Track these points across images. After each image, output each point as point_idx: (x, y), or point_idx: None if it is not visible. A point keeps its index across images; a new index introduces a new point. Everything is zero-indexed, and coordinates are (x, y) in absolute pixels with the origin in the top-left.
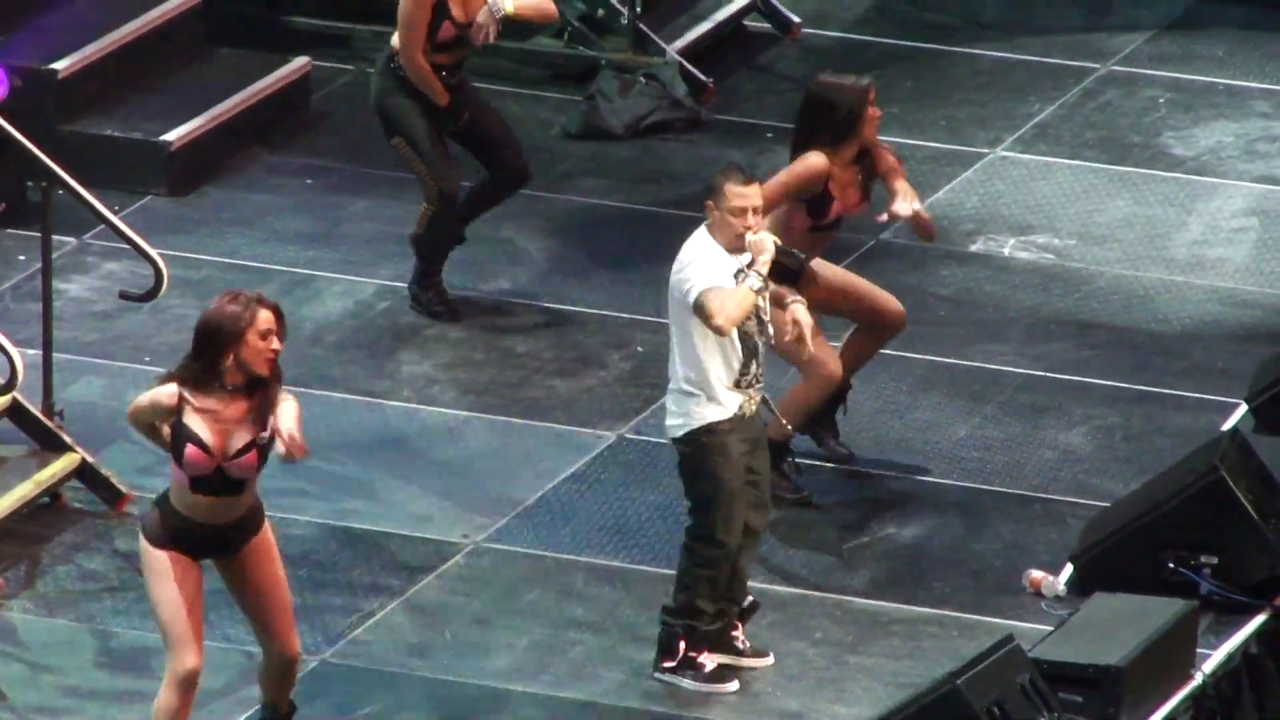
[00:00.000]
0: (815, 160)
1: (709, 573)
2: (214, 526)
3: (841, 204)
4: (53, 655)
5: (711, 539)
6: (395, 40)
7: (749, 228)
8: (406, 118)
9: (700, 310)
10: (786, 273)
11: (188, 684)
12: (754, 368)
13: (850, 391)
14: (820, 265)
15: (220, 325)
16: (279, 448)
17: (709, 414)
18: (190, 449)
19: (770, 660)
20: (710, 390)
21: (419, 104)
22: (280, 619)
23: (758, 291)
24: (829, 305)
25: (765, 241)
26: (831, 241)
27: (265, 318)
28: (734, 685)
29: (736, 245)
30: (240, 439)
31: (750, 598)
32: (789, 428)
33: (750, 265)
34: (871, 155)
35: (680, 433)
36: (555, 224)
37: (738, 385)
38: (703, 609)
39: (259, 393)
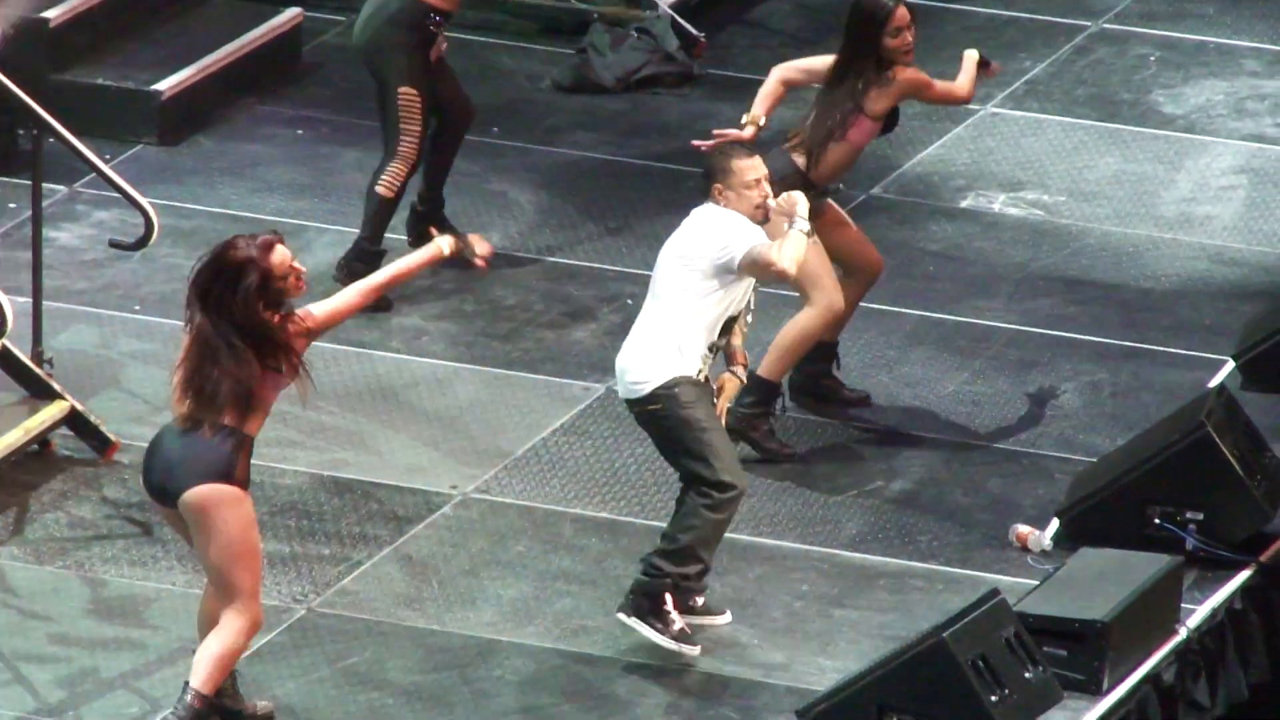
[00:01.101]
0: (912, 72)
1: (719, 517)
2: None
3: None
4: (41, 602)
5: (720, 482)
6: None
7: (767, 195)
8: (416, 72)
9: (757, 262)
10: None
11: (255, 633)
12: (725, 339)
13: (837, 347)
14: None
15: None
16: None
17: (676, 369)
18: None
19: (728, 618)
20: (684, 349)
21: (420, 56)
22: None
23: (809, 234)
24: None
25: (795, 197)
26: None
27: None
28: (698, 650)
29: (758, 216)
30: None
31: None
32: (785, 366)
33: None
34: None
35: (646, 389)
36: (546, 177)
37: (709, 349)
38: (701, 556)
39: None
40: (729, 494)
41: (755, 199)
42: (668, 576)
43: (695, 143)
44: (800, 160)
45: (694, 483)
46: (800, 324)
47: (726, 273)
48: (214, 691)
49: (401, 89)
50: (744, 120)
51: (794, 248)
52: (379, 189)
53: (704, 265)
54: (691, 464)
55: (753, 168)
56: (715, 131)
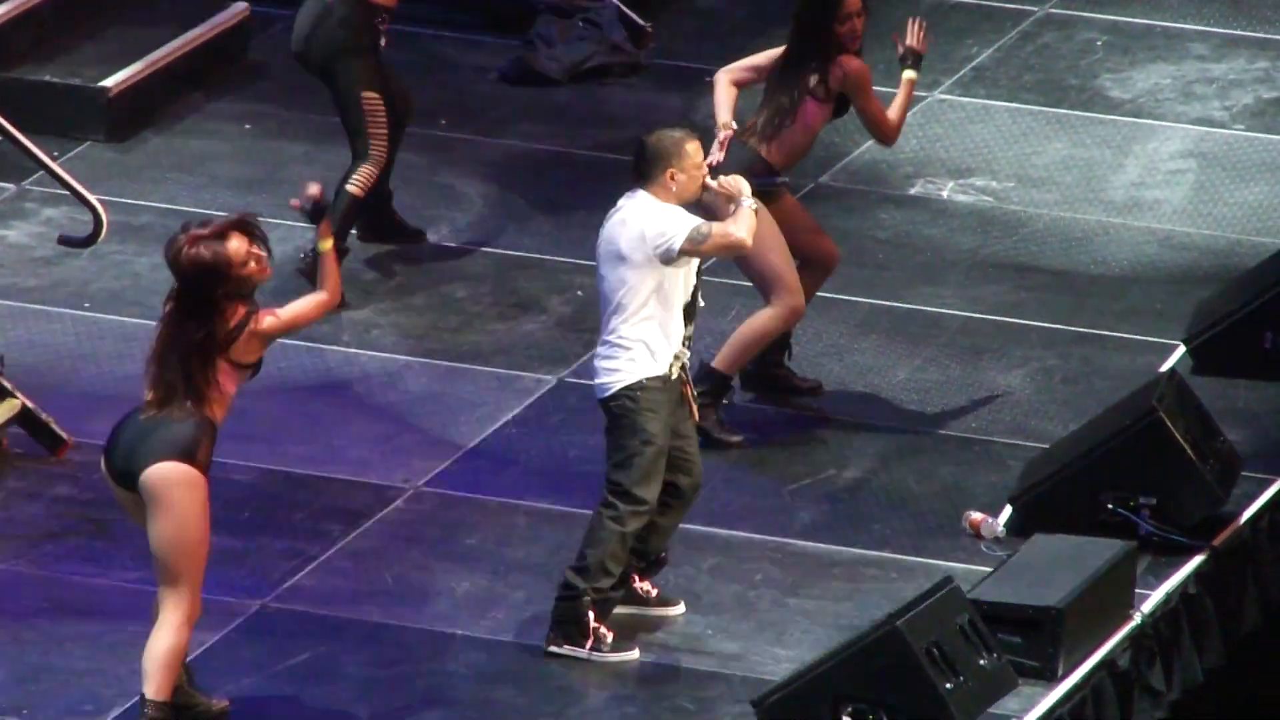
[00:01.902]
0: (858, 64)
1: (622, 529)
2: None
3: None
4: None
5: (630, 494)
6: None
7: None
8: (372, 73)
9: (708, 239)
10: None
11: (193, 625)
12: (689, 328)
13: (790, 337)
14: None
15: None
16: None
17: (644, 369)
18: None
19: (681, 609)
20: (650, 346)
21: (373, 60)
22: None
23: (755, 210)
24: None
25: (737, 178)
26: None
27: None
28: (635, 652)
29: (695, 198)
30: None
31: (664, 553)
32: (740, 361)
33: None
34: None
35: (612, 389)
36: (494, 169)
37: (678, 341)
38: (610, 570)
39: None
40: (635, 507)
41: (700, 180)
42: (585, 594)
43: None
44: (761, 149)
45: (608, 490)
46: (760, 322)
47: (667, 262)
48: (169, 694)
49: (364, 94)
50: (718, 131)
51: (747, 221)
52: (350, 188)
53: (644, 259)
54: (614, 468)
55: (699, 149)
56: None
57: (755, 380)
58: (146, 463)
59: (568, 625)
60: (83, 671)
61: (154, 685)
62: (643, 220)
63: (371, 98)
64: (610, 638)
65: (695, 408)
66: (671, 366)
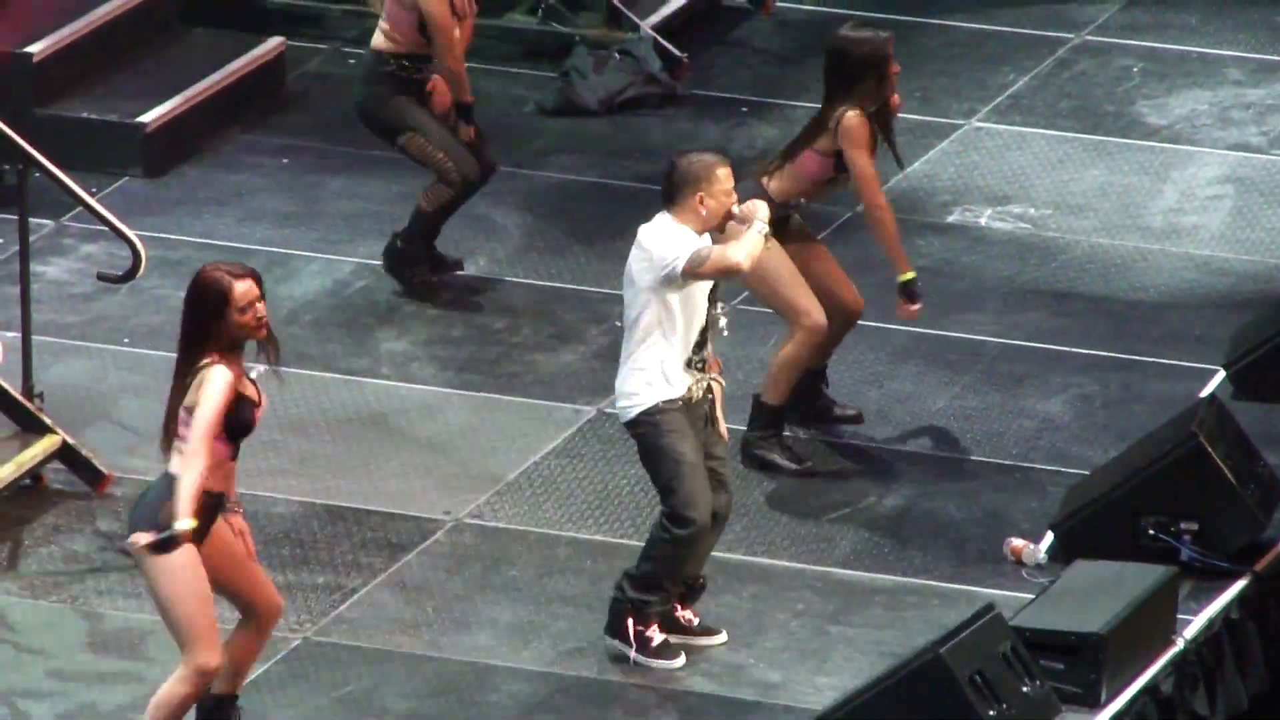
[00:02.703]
0: (860, 121)
1: (680, 551)
2: (223, 495)
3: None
4: (37, 637)
5: (680, 516)
6: (378, 42)
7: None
8: (411, 114)
9: (708, 262)
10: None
11: (206, 679)
12: (706, 350)
13: (825, 369)
14: (804, 236)
15: (211, 295)
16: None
17: (659, 393)
18: (255, 413)
19: (723, 638)
20: (665, 370)
21: (414, 97)
22: (262, 574)
23: (765, 235)
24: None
25: (757, 204)
26: (834, 193)
27: (244, 290)
28: (680, 661)
29: (721, 224)
30: (251, 391)
31: (701, 578)
32: (783, 389)
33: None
34: (888, 114)
35: (632, 414)
36: (532, 200)
37: (689, 365)
38: (665, 587)
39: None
40: (685, 529)
41: (728, 206)
42: (628, 601)
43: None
44: (762, 180)
45: (662, 515)
46: (787, 350)
47: (673, 284)
48: None
49: (400, 140)
50: None
51: (751, 245)
52: (420, 200)
53: (653, 283)
54: (662, 495)
55: (730, 175)
56: None
57: (795, 413)
58: (129, 532)
59: (614, 622)
60: (126, 707)
61: None
62: (652, 244)
63: (410, 138)
64: (655, 642)
65: (724, 428)
66: (691, 389)
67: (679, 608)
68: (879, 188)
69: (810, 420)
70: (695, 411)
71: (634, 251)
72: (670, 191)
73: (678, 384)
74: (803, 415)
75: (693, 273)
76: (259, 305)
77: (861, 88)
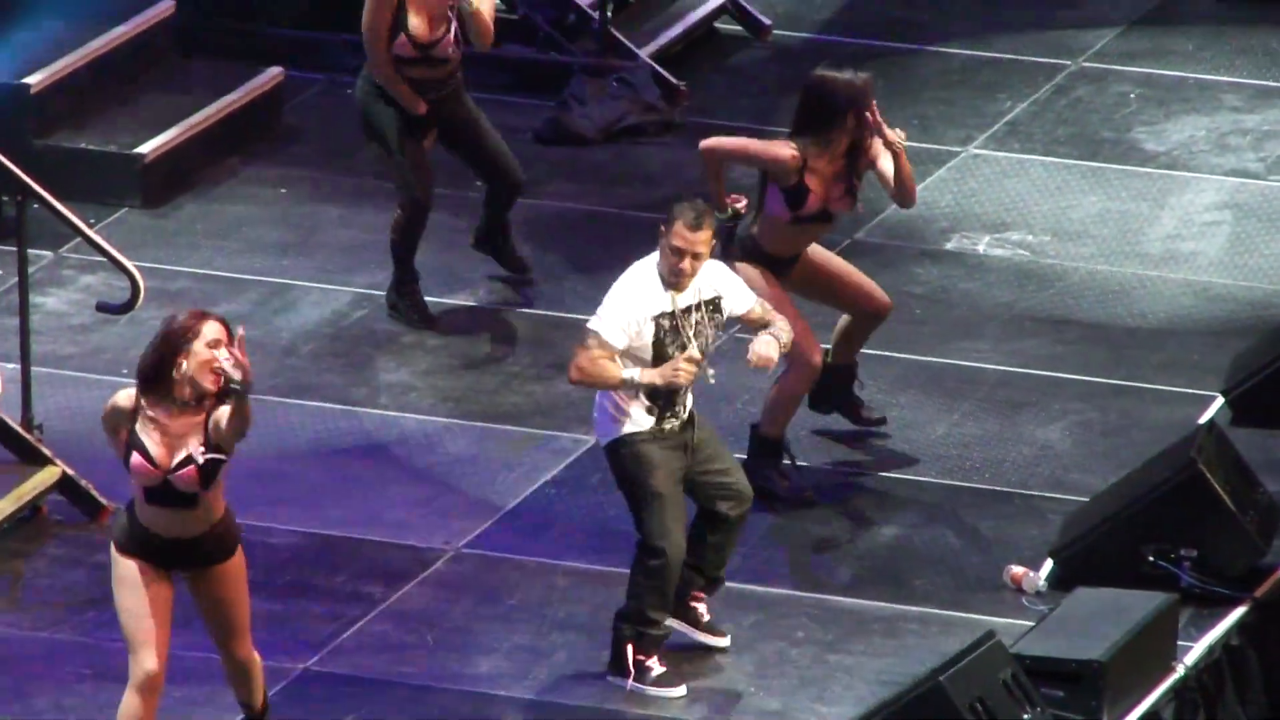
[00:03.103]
0: (779, 147)
1: (654, 582)
2: (170, 540)
3: (822, 198)
4: (36, 668)
5: (650, 547)
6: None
7: (683, 271)
8: (383, 124)
9: (579, 345)
10: (766, 258)
11: (150, 688)
12: (668, 393)
13: (856, 368)
14: (814, 251)
15: (169, 334)
16: (232, 372)
17: (624, 428)
18: (135, 458)
19: (727, 640)
20: (622, 407)
21: (397, 110)
22: (236, 636)
23: (624, 381)
24: (816, 291)
25: (683, 375)
26: (825, 234)
27: (213, 328)
28: (681, 690)
29: (671, 282)
30: (184, 451)
31: (721, 573)
32: (782, 422)
33: (675, 356)
34: (862, 153)
35: (604, 442)
36: (529, 229)
37: (649, 409)
38: (652, 618)
39: (208, 409)
40: (656, 560)
41: (672, 266)
42: (625, 632)
43: None
44: (753, 229)
45: (636, 544)
46: (784, 384)
47: None
48: None
49: (369, 145)
50: None
51: (597, 377)
52: (390, 231)
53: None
54: (636, 524)
55: (684, 239)
56: None
57: (826, 403)
58: None
59: (614, 657)
60: None
61: None
62: (615, 286)
63: (376, 148)
64: (655, 672)
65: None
66: (662, 422)
67: (695, 599)
68: (722, 145)
69: (839, 411)
70: (670, 440)
71: None
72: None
73: (642, 421)
74: (834, 405)
75: (569, 366)
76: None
77: (836, 131)
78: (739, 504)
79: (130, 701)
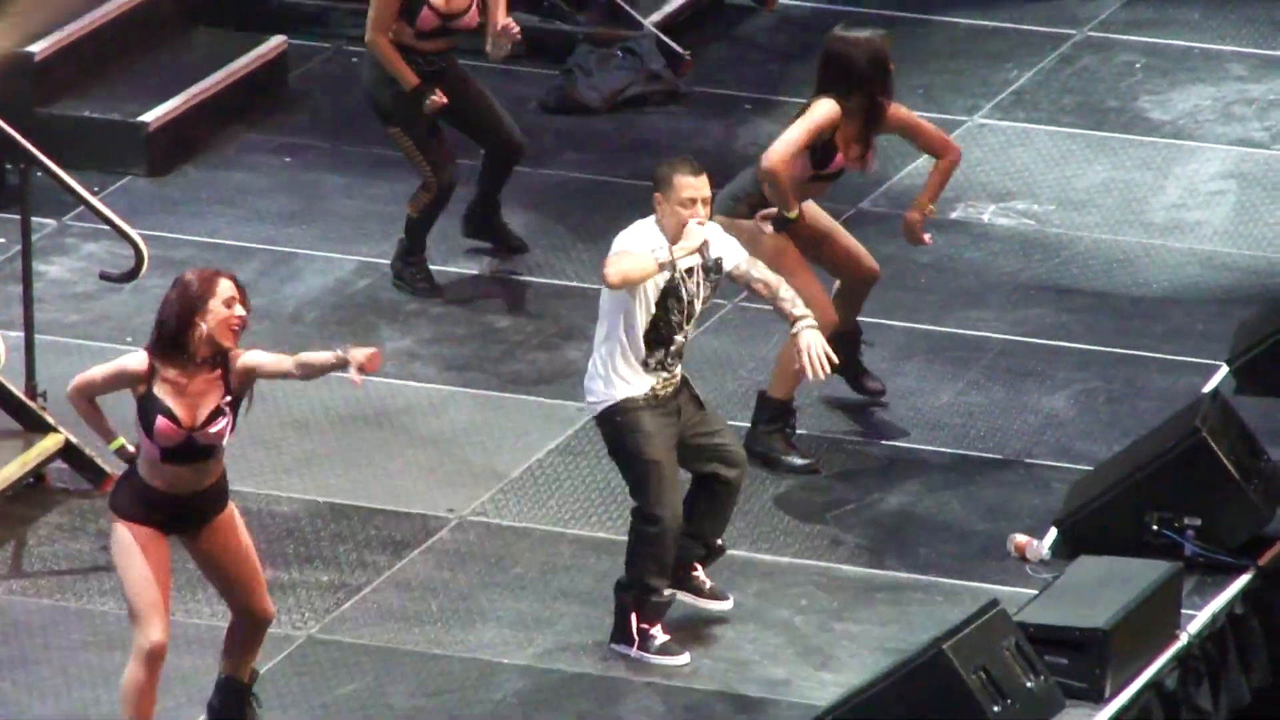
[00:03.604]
0: (827, 106)
1: (652, 550)
2: (182, 497)
3: (845, 157)
4: (40, 636)
5: (646, 515)
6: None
7: (699, 220)
8: (401, 107)
9: (604, 265)
10: (779, 220)
11: (154, 658)
12: (663, 353)
13: (860, 335)
14: (808, 207)
15: (185, 295)
16: (354, 374)
17: (617, 393)
18: (161, 420)
19: (730, 604)
20: (618, 370)
21: (409, 91)
22: (254, 583)
23: (661, 264)
24: (807, 247)
25: (695, 233)
26: (827, 190)
27: (226, 286)
28: (685, 658)
29: (678, 232)
30: (207, 407)
31: (720, 541)
32: (789, 385)
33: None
34: (881, 112)
35: (596, 411)
36: (535, 198)
37: (646, 367)
38: (653, 585)
39: (223, 362)
40: (653, 527)
41: (685, 218)
42: (628, 600)
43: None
44: (765, 188)
45: (631, 512)
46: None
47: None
48: None
49: (389, 130)
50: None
51: (632, 265)
52: (407, 207)
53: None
54: (630, 491)
55: (693, 186)
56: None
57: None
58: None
59: (618, 625)
60: None
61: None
62: (615, 240)
63: (396, 134)
64: (659, 640)
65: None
66: (655, 388)
67: (695, 568)
68: (787, 156)
69: (842, 375)
70: (664, 406)
71: None
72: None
73: (637, 384)
74: (838, 370)
75: (604, 277)
76: (237, 308)
77: (856, 91)
78: (734, 467)
79: (135, 673)
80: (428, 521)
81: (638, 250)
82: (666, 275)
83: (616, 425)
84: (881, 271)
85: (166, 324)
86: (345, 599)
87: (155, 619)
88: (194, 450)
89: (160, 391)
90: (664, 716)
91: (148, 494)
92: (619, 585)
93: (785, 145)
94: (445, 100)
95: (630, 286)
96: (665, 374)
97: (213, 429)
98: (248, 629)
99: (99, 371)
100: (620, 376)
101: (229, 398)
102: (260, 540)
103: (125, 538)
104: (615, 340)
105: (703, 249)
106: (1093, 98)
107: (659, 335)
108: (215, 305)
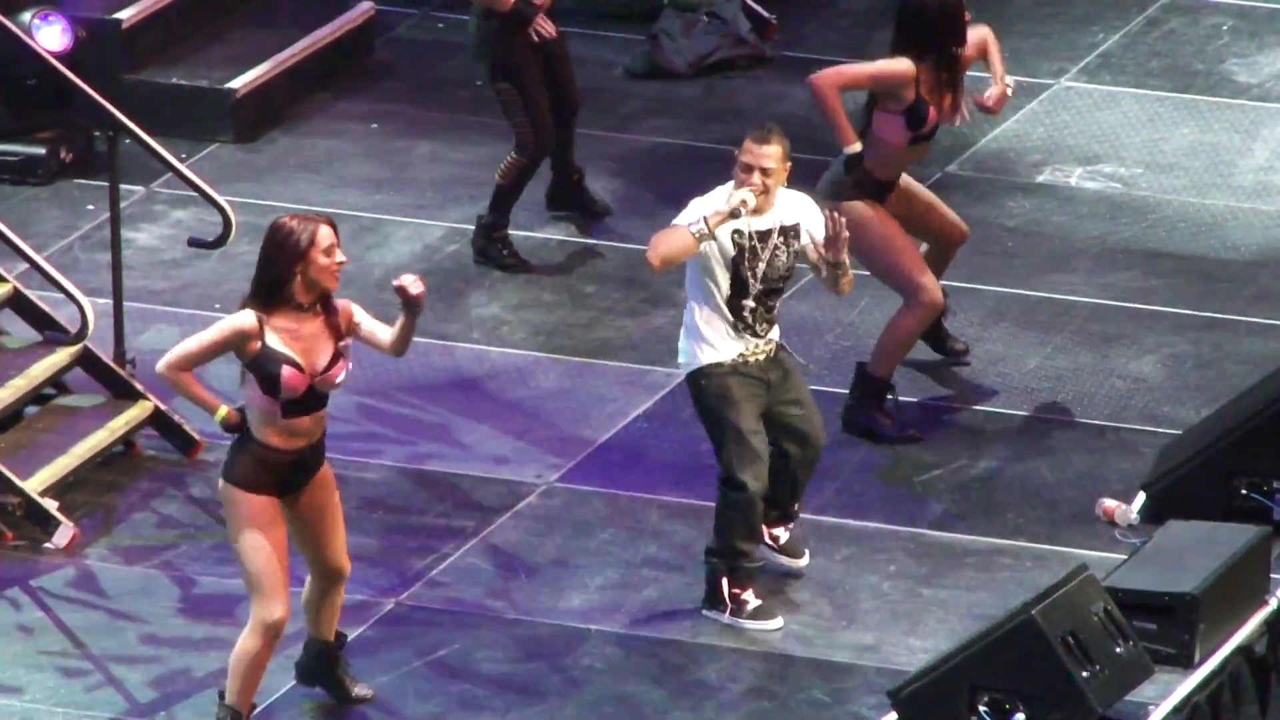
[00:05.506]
0: (899, 63)
1: (740, 515)
2: (299, 452)
3: (936, 112)
4: (130, 603)
5: (731, 480)
6: None
7: (753, 187)
8: (515, 62)
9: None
10: (876, 186)
11: (274, 633)
12: (749, 317)
13: (948, 297)
14: (906, 184)
15: (286, 243)
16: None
17: (704, 357)
18: (288, 372)
19: (805, 560)
20: (705, 334)
21: (529, 48)
22: (341, 539)
23: (696, 236)
24: (909, 219)
25: (732, 198)
26: (927, 153)
27: (326, 234)
28: (779, 622)
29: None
30: (324, 353)
31: (796, 505)
32: (891, 364)
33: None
34: (959, 62)
35: (685, 372)
36: (621, 164)
37: (735, 330)
38: (742, 549)
39: (328, 306)
40: (737, 492)
41: (743, 180)
42: (719, 566)
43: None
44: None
45: (717, 477)
46: (902, 323)
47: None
48: (243, 703)
49: (499, 84)
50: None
51: (668, 244)
52: (497, 175)
53: None
54: (716, 455)
55: (751, 153)
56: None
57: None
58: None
59: (709, 591)
60: (218, 673)
61: (229, 690)
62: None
63: (501, 87)
64: (751, 605)
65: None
66: (744, 353)
67: (767, 528)
68: (838, 80)
69: (925, 340)
70: (753, 373)
71: None
72: None
73: (724, 348)
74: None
75: (646, 260)
76: (336, 253)
77: (936, 44)
78: (808, 448)
79: (254, 646)
80: (515, 488)
81: (684, 221)
82: (736, 240)
83: (702, 388)
84: (968, 233)
85: (268, 272)
86: (434, 565)
87: (279, 595)
88: (313, 400)
89: (276, 343)
90: (751, 682)
91: (267, 455)
92: (709, 551)
93: (839, 70)
94: (552, 28)
95: (670, 265)
96: (755, 339)
97: (334, 374)
98: (327, 586)
99: (195, 342)
100: (707, 341)
101: (342, 342)
102: (349, 507)
103: (248, 511)
104: (700, 304)
105: (736, 211)
106: (1179, 60)
107: (739, 300)
108: (316, 254)
